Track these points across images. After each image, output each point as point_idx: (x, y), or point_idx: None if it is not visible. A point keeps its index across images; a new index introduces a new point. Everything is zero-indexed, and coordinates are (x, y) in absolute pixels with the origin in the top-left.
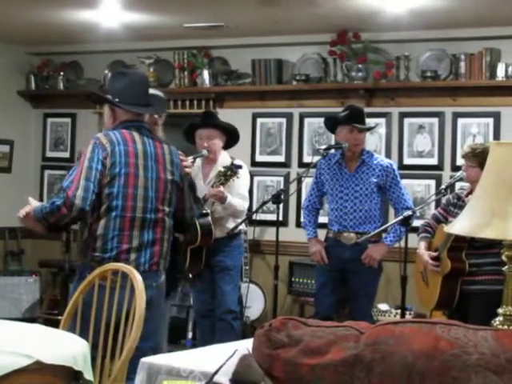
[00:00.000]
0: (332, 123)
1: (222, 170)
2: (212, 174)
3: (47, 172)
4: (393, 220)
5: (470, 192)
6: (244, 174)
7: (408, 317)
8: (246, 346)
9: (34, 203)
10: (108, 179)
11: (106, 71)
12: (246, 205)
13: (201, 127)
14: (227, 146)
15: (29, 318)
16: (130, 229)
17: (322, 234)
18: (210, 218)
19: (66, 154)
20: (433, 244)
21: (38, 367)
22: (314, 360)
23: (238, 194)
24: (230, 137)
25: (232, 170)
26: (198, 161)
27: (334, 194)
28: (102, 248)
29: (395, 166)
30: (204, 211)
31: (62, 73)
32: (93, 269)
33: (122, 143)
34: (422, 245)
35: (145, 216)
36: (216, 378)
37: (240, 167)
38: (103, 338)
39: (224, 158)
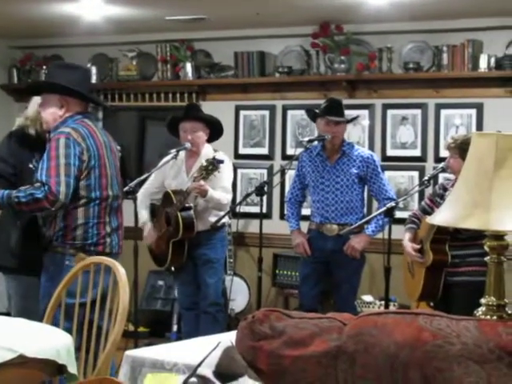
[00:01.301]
0: (312, 116)
1: (204, 164)
2: (195, 167)
3: None
4: (376, 211)
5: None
6: (227, 167)
7: (392, 308)
8: (229, 338)
9: None
10: (86, 173)
11: (89, 65)
12: (229, 197)
13: (184, 120)
14: (211, 139)
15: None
16: (104, 216)
17: (304, 226)
18: (192, 211)
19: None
20: (418, 235)
21: (22, 361)
22: (297, 352)
23: (220, 187)
24: (214, 130)
25: (213, 165)
26: (182, 154)
27: (316, 185)
28: (83, 236)
29: (376, 157)
30: (187, 204)
31: (44, 66)
32: (74, 256)
33: (91, 136)
34: (407, 236)
35: (113, 203)
36: (199, 371)
37: (221, 162)
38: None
39: (207, 151)
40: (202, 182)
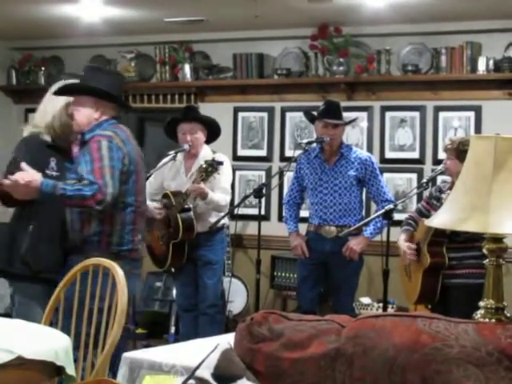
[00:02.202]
0: (310, 118)
1: (204, 165)
2: (194, 168)
3: None
4: (374, 213)
5: (452, 185)
6: (226, 168)
7: (390, 310)
8: (228, 340)
9: (35, 174)
10: (125, 177)
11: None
12: (228, 199)
13: (183, 121)
14: (208, 140)
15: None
16: (137, 222)
17: (302, 228)
18: (191, 212)
19: None
20: (415, 238)
21: (20, 362)
22: (296, 354)
23: (220, 188)
24: (212, 131)
25: (213, 166)
26: (180, 155)
27: (314, 188)
28: (120, 242)
29: (374, 159)
30: (186, 206)
31: (43, 68)
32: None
33: (128, 141)
34: (402, 236)
35: (143, 209)
36: (198, 373)
37: (221, 163)
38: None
39: (206, 152)
40: (201, 185)
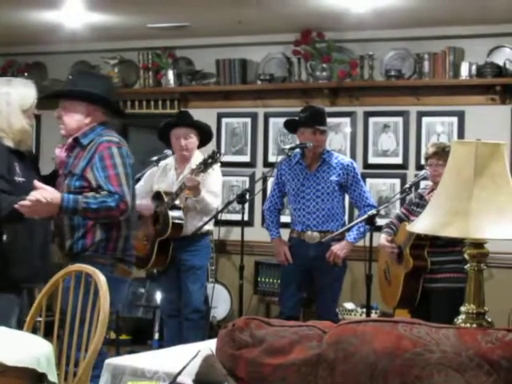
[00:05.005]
0: (294, 125)
1: (204, 157)
2: (185, 173)
3: None
4: (357, 219)
5: (432, 191)
6: (217, 171)
7: (373, 315)
8: (210, 346)
9: (54, 191)
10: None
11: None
12: (218, 202)
13: (177, 126)
14: (199, 145)
15: None
16: (133, 226)
17: (284, 233)
18: (181, 211)
19: None
20: (395, 241)
21: (1, 369)
22: (277, 360)
23: (209, 192)
24: (204, 136)
25: (213, 158)
26: (171, 160)
27: (297, 194)
28: (124, 246)
29: (355, 165)
30: (177, 204)
31: (26, 73)
32: (114, 267)
33: (127, 146)
34: (383, 236)
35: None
36: (179, 379)
37: (223, 154)
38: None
39: (198, 157)
40: (198, 178)
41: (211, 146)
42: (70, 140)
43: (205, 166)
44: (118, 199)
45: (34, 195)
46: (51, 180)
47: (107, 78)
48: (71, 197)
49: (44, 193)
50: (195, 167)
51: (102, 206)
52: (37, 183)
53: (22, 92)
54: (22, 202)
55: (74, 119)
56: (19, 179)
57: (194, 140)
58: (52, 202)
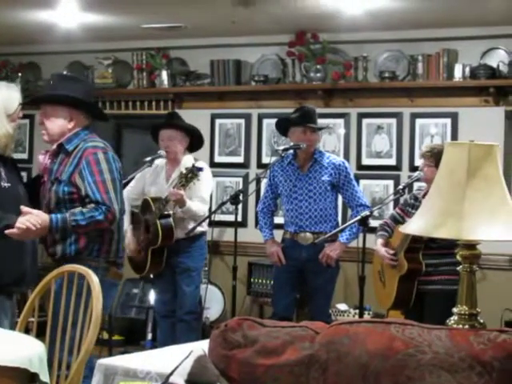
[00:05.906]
0: (284, 125)
1: (184, 171)
2: (174, 175)
3: None
4: (350, 220)
5: (427, 192)
6: (206, 176)
7: (366, 317)
8: (202, 346)
9: (41, 214)
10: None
11: (64, 72)
12: (206, 209)
13: (162, 128)
14: (192, 148)
15: None
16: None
17: (277, 234)
18: (171, 219)
19: (25, 156)
20: (390, 244)
21: None
22: (270, 360)
23: (198, 197)
24: (194, 139)
25: (193, 173)
26: (162, 161)
27: (289, 195)
28: (117, 249)
29: (347, 165)
30: (166, 212)
31: (20, 74)
32: (107, 270)
33: (112, 150)
34: (379, 241)
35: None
36: (172, 379)
37: (201, 169)
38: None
39: (187, 160)
40: (181, 191)
41: (206, 147)
42: (54, 146)
43: (186, 180)
44: (105, 211)
45: (23, 223)
46: (33, 186)
47: (86, 81)
48: (59, 216)
49: (32, 218)
50: (177, 180)
51: (90, 221)
52: (24, 208)
53: (6, 96)
54: (11, 231)
55: (57, 124)
56: (5, 184)
57: (177, 143)
58: (41, 225)
